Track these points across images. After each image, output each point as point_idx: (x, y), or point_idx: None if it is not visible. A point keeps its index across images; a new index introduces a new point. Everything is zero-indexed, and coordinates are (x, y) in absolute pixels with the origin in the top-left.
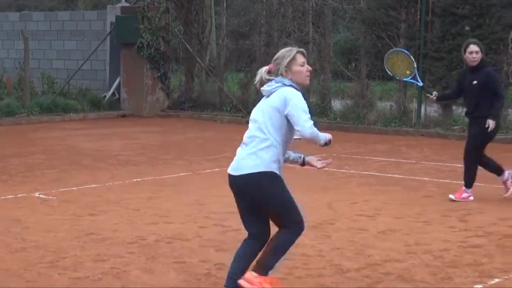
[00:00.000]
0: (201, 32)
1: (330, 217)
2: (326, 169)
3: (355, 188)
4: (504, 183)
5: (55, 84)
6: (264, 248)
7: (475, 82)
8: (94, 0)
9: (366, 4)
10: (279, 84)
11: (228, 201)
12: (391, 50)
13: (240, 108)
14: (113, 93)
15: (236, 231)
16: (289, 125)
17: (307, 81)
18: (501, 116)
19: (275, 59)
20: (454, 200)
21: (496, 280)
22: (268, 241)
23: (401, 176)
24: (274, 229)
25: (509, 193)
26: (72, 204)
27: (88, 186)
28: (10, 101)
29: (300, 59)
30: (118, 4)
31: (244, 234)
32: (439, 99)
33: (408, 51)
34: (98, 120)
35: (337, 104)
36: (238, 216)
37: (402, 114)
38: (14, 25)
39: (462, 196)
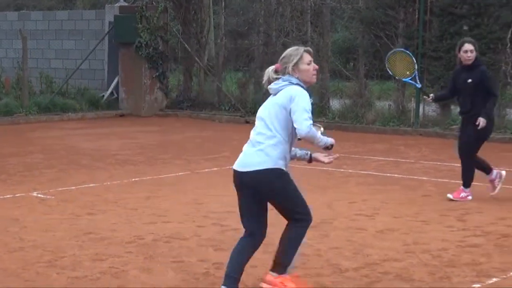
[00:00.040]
0: (199, 32)
1: (328, 217)
2: (325, 168)
3: (353, 188)
4: (492, 182)
5: (54, 84)
6: (277, 248)
7: (469, 80)
8: None
9: (365, 3)
10: (286, 83)
11: (226, 200)
12: (393, 50)
13: (239, 107)
14: (112, 93)
15: (235, 231)
16: None
17: (314, 79)
18: (493, 115)
19: (282, 58)
20: (453, 200)
21: (494, 279)
22: (280, 240)
23: (400, 176)
24: (271, 229)
25: (495, 192)
26: (71, 204)
27: (86, 186)
28: (9, 101)
29: (307, 57)
30: (117, 4)
31: (242, 234)
32: (435, 101)
33: (410, 52)
34: (97, 120)
35: (335, 104)
36: (237, 215)
37: (400, 113)
38: (12, 25)
39: (461, 195)
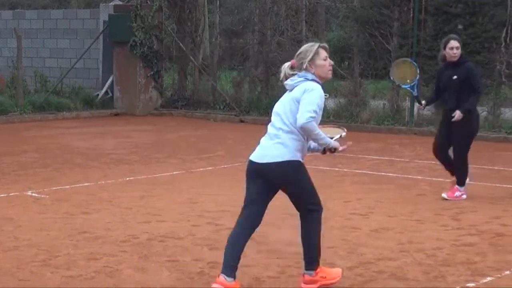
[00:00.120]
0: (194, 31)
1: (323, 216)
2: (320, 167)
3: (348, 187)
4: (453, 183)
5: (48, 83)
6: (303, 248)
7: (455, 77)
8: None
9: (359, 2)
10: (302, 79)
11: (221, 199)
12: (403, 59)
13: (233, 106)
14: (106, 92)
15: (230, 230)
16: None
17: (330, 75)
18: (478, 112)
19: (298, 54)
20: (447, 199)
21: (489, 278)
22: (302, 239)
23: (394, 175)
24: (268, 229)
25: (450, 197)
26: (65, 203)
27: (81, 185)
28: (3, 100)
29: (323, 53)
30: (111, 3)
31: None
32: (427, 105)
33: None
34: (91, 119)
35: (330, 103)
36: (232, 214)
37: (395, 112)
38: (7, 23)
39: (455, 194)
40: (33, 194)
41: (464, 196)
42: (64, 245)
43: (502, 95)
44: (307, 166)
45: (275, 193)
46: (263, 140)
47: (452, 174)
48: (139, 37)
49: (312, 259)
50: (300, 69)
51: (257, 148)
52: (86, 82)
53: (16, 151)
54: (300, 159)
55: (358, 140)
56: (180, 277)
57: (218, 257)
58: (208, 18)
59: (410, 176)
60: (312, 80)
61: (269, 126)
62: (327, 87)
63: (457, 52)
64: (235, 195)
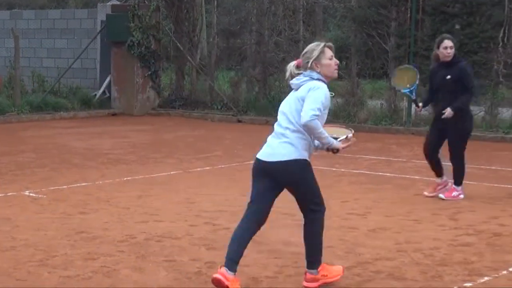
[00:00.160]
0: (191, 31)
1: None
2: (317, 167)
3: (345, 187)
4: (437, 185)
5: (46, 83)
6: (305, 247)
7: (449, 77)
8: None
9: (357, 2)
10: (307, 78)
11: (218, 199)
12: (405, 66)
13: (231, 106)
14: (104, 92)
15: (227, 230)
16: None
17: (335, 74)
18: (471, 112)
19: (304, 53)
20: (444, 199)
21: (486, 278)
22: (304, 239)
23: (392, 175)
24: (264, 228)
25: (430, 194)
26: (62, 203)
27: (78, 185)
28: (0, 100)
29: (329, 52)
30: (109, 3)
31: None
32: (424, 107)
33: (417, 68)
34: (89, 119)
35: None
36: (229, 214)
37: (392, 112)
38: (4, 23)
39: (452, 194)
40: (31, 194)
41: (462, 196)
42: (62, 245)
43: (500, 95)
44: None
45: (280, 192)
46: (269, 138)
47: (438, 175)
48: (136, 37)
49: (314, 258)
50: (305, 68)
51: (264, 147)
52: (84, 82)
53: (14, 151)
54: (307, 158)
55: (356, 140)
56: (177, 277)
57: (215, 257)
58: (206, 18)
59: (407, 176)
60: (318, 79)
61: (275, 125)
62: None
63: (451, 52)
64: (232, 195)
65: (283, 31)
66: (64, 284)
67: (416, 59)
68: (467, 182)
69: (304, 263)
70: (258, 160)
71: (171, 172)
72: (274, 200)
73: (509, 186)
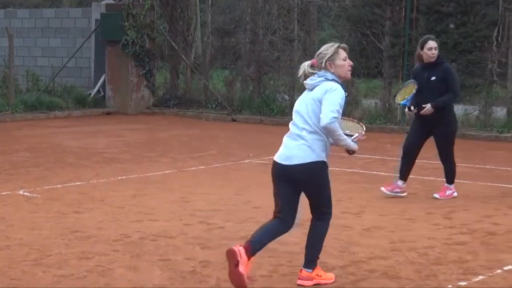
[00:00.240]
0: (186, 30)
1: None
2: None
3: (340, 186)
4: (394, 186)
5: (40, 82)
6: (306, 245)
7: (433, 78)
8: None
9: (351, 1)
10: (322, 79)
11: (213, 198)
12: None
13: (225, 105)
14: (98, 91)
15: (221, 229)
16: None
17: (349, 75)
18: (455, 113)
19: (318, 54)
20: (439, 199)
21: (480, 277)
22: (308, 238)
23: (386, 174)
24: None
25: (386, 192)
26: (57, 202)
27: (72, 184)
28: None
29: (343, 53)
30: (103, 2)
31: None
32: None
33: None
34: (83, 118)
35: None
36: (223, 213)
37: (387, 111)
38: None
39: (446, 193)
40: (25, 193)
41: (456, 194)
42: (56, 244)
43: (494, 94)
44: None
45: (301, 192)
46: (286, 140)
47: (402, 178)
48: (131, 36)
49: (313, 257)
50: (320, 69)
51: (281, 149)
52: (78, 81)
53: (8, 150)
54: (325, 159)
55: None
56: (172, 276)
57: (210, 256)
58: (200, 17)
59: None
60: (332, 80)
61: (291, 125)
62: None
63: (435, 53)
64: (227, 194)
65: (277, 30)
66: (58, 283)
67: (410, 58)
68: (462, 181)
69: (299, 262)
70: (275, 162)
71: (166, 171)
72: (298, 200)
73: (503, 185)
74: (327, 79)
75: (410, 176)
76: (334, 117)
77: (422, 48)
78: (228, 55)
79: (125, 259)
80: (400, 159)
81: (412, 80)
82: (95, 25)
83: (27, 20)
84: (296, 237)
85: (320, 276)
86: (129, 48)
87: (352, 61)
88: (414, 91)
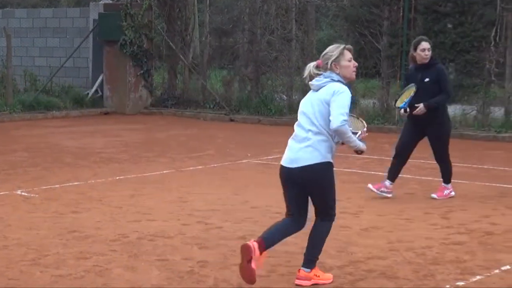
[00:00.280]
0: (184, 30)
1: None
2: None
3: (338, 186)
4: (382, 185)
5: (38, 82)
6: (308, 245)
7: (427, 79)
8: None
9: (349, 1)
10: (328, 79)
11: (211, 198)
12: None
13: (223, 105)
14: (96, 91)
15: (219, 229)
16: None
17: (354, 76)
18: (448, 114)
19: (324, 55)
20: (437, 199)
21: (478, 277)
22: (309, 237)
23: (384, 174)
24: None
25: (372, 188)
26: (55, 202)
27: (70, 184)
28: None
29: (348, 54)
30: (101, 1)
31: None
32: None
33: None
34: (81, 118)
35: None
36: (221, 213)
37: (385, 111)
38: None
39: (444, 193)
40: (23, 193)
41: (453, 193)
42: (54, 244)
43: (492, 94)
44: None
45: (312, 195)
46: (291, 142)
47: (390, 178)
48: (129, 36)
49: (312, 257)
50: (325, 69)
51: (286, 152)
52: (76, 81)
53: (6, 150)
54: (331, 160)
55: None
56: (170, 276)
57: (208, 256)
58: (198, 17)
59: (399, 175)
60: (338, 81)
61: (296, 127)
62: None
63: (428, 54)
64: (225, 194)
65: (275, 30)
66: (56, 283)
67: (408, 58)
68: (459, 181)
69: (297, 262)
70: (282, 166)
71: (164, 171)
72: (307, 201)
73: (500, 185)
74: (333, 80)
75: (407, 176)
76: (345, 120)
77: (415, 49)
78: (226, 55)
79: (123, 259)
80: (391, 158)
81: (412, 84)
82: (93, 25)
83: (25, 20)
84: (293, 237)
85: (318, 276)
86: (127, 48)
87: None
88: (412, 93)
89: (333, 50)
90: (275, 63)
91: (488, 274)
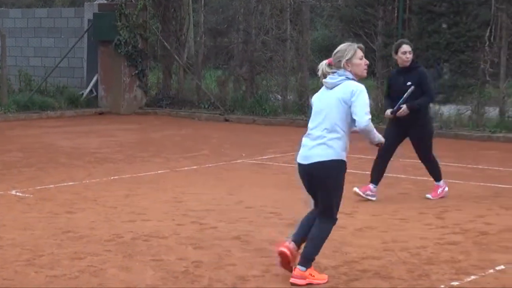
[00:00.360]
0: (179, 30)
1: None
2: None
3: None
4: (368, 188)
5: (32, 82)
6: (306, 244)
7: (409, 83)
8: None
9: (344, 1)
10: (343, 78)
11: (205, 198)
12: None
13: (218, 105)
14: (91, 91)
15: (214, 229)
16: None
17: (365, 74)
18: (430, 116)
19: (336, 53)
20: (432, 199)
21: (473, 277)
22: (309, 237)
23: None
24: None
25: (359, 192)
26: (49, 202)
27: (65, 184)
28: None
29: (359, 53)
30: (96, 1)
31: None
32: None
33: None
34: (76, 118)
35: None
36: (216, 213)
37: (379, 111)
38: None
39: (438, 192)
40: (17, 193)
41: (446, 189)
42: (48, 245)
43: (486, 94)
44: (291, 165)
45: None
46: (305, 140)
47: (373, 181)
48: (123, 36)
49: (310, 256)
50: (337, 68)
51: (302, 149)
52: (71, 81)
53: (0, 151)
54: (345, 158)
55: None
56: (164, 276)
57: (202, 256)
58: (193, 17)
59: (393, 175)
60: (352, 79)
61: (310, 125)
62: (312, 85)
63: (409, 57)
64: (219, 194)
65: (270, 30)
66: (51, 284)
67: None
68: (454, 181)
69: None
70: (299, 164)
71: (158, 171)
72: None
73: (495, 185)
74: (348, 78)
75: (402, 176)
76: (370, 119)
77: (396, 52)
78: (221, 55)
79: (118, 259)
80: (374, 160)
81: (412, 88)
82: (88, 25)
83: (20, 20)
84: (287, 237)
85: (313, 276)
86: (122, 48)
87: None
88: (405, 95)
89: (345, 48)
90: (269, 63)
91: (483, 274)
